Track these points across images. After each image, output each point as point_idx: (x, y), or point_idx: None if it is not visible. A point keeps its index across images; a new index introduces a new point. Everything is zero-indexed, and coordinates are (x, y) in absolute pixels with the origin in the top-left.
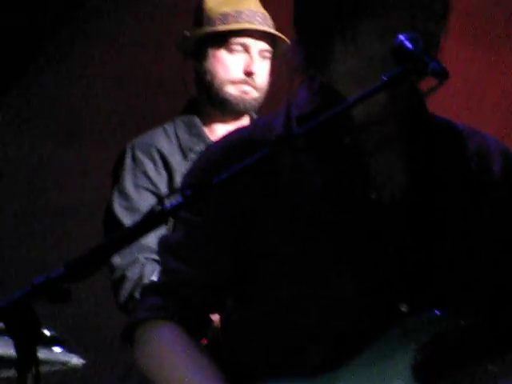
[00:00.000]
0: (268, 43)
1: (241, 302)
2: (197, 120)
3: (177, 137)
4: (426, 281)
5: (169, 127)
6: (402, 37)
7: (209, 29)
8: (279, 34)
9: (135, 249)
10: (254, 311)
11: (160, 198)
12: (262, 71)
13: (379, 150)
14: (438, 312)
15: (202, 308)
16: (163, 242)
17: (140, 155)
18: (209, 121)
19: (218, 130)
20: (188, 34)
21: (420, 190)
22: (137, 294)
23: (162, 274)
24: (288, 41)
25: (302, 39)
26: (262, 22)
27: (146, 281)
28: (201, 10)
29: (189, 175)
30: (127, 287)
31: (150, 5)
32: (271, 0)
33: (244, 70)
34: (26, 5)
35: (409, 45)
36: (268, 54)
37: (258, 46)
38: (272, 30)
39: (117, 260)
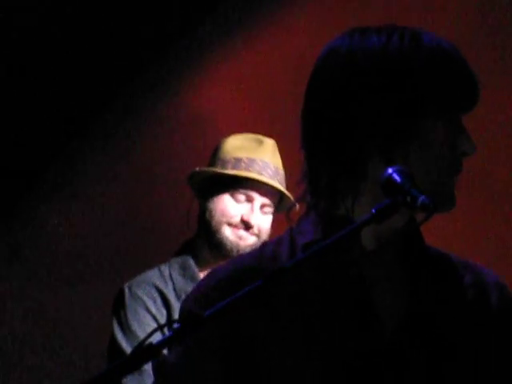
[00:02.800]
0: (273, 198)
1: None
2: (191, 262)
3: (171, 279)
4: None
5: (164, 269)
6: (390, 169)
7: (218, 169)
8: (286, 192)
9: (146, 378)
10: None
11: (153, 331)
12: (262, 224)
13: (382, 281)
14: None
15: None
16: (159, 365)
17: (139, 292)
18: (204, 263)
19: None
20: (198, 170)
21: (421, 322)
22: None
23: None
24: (293, 199)
25: (313, 166)
26: (273, 175)
27: None
28: (217, 149)
29: (190, 301)
30: None
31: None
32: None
33: (242, 218)
34: None
35: (397, 178)
36: (270, 209)
37: (261, 199)
38: (279, 187)
39: None
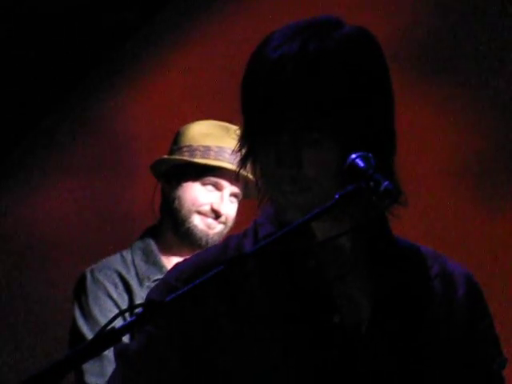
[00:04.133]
0: (240, 186)
1: None
2: (154, 247)
3: (134, 264)
4: None
5: (126, 254)
6: (353, 155)
7: (188, 159)
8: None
9: (106, 365)
10: None
11: (114, 317)
12: (230, 212)
13: (344, 273)
14: None
15: None
16: (121, 350)
17: (100, 278)
18: (167, 248)
19: (176, 259)
20: (166, 157)
21: (384, 314)
22: None
23: None
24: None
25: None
26: None
27: None
28: (181, 135)
29: (154, 292)
30: None
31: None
32: None
33: (211, 207)
34: None
35: (361, 163)
36: (239, 197)
37: (230, 188)
38: (249, 175)
39: (93, 380)
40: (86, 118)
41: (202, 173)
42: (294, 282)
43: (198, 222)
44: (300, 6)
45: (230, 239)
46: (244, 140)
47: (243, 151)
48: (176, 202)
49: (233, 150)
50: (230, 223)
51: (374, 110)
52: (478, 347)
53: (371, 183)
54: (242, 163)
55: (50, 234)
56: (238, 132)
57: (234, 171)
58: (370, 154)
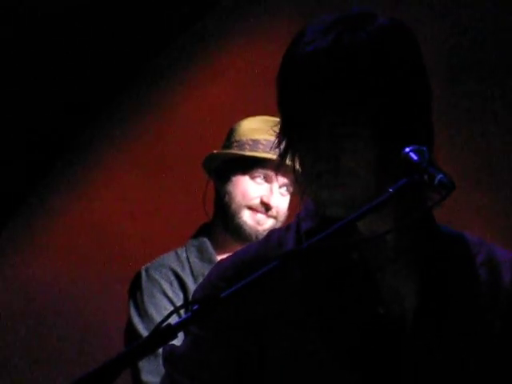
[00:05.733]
0: (291, 178)
1: None
2: (208, 244)
3: (188, 262)
4: None
5: (181, 252)
6: (407, 149)
7: (236, 152)
8: None
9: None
10: None
11: (170, 313)
12: (281, 204)
13: (388, 264)
14: None
15: None
16: (169, 354)
17: (156, 276)
18: (220, 245)
19: None
20: (215, 152)
21: (430, 305)
22: None
23: None
24: None
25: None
26: None
27: None
28: (232, 132)
29: (198, 291)
30: None
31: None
32: None
33: (262, 200)
34: None
35: (414, 157)
36: (289, 189)
37: (280, 180)
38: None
39: (149, 379)
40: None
41: (251, 166)
42: (338, 276)
43: (248, 218)
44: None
45: (272, 234)
46: (282, 135)
47: (282, 147)
48: (226, 197)
49: (274, 143)
50: (282, 218)
51: (410, 102)
52: None
53: (425, 176)
54: (281, 158)
55: None
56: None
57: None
58: (425, 148)
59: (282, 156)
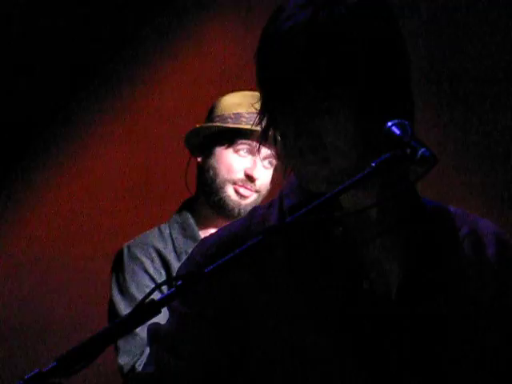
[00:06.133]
0: (275, 151)
1: None
2: (191, 220)
3: (171, 238)
4: (417, 369)
5: (164, 228)
6: (389, 123)
7: (220, 124)
8: None
9: (137, 344)
10: None
11: (153, 289)
12: (264, 177)
13: (372, 239)
14: None
15: None
16: (154, 332)
17: (138, 253)
18: (203, 221)
19: (213, 231)
20: (198, 126)
21: (414, 279)
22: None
23: (154, 365)
24: None
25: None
26: None
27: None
28: (214, 107)
29: (183, 269)
30: None
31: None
32: None
33: (245, 172)
34: None
35: (397, 131)
36: (272, 162)
37: (264, 151)
38: None
39: (125, 360)
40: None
41: (234, 138)
42: (322, 251)
43: (231, 193)
44: None
45: (255, 211)
46: (263, 112)
47: (263, 123)
48: (210, 171)
49: (256, 118)
50: (264, 191)
51: (391, 74)
52: (509, 303)
53: (408, 150)
54: (263, 135)
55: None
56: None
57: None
58: (407, 122)
59: (264, 131)
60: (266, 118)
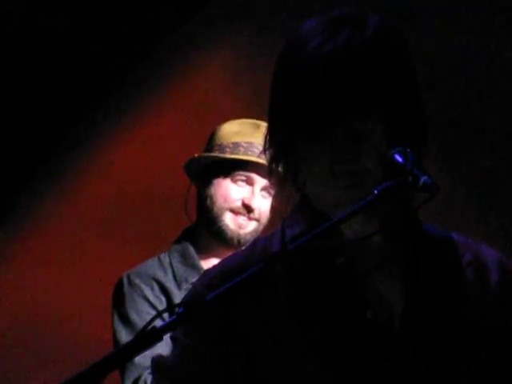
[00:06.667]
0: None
1: None
2: (191, 249)
3: (171, 267)
4: None
5: (164, 257)
6: (392, 150)
7: (217, 155)
8: None
9: (136, 369)
10: None
11: (155, 316)
12: (263, 207)
13: (374, 268)
14: None
15: None
16: (157, 363)
17: (137, 281)
18: (203, 249)
19: (213, 261)
20: (196, 156)
21: (417, 308)
22: None
23: None
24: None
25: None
26: None
27: None
28: (213, 136)
29: (185, 299)
30: None
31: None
32: None
33: (243, 202)
34: None
35: (399, 159)
36: (271, 192)
37: (261, 182)
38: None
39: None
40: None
41: (232, 169)
42: (323, 281)
43: (230, 222)
44: None
45: (257, 241)
46: (278, 137)
47: (275, 151)
48: (208, 200)
49: (265, 145)
50: (264, 220)
51: (415, 101)
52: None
53: (410, 178)
54: (275, 162)
55: None
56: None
57: (264, 165)
58: (408, 149)
59: (275, 158)
60: (278, 145)
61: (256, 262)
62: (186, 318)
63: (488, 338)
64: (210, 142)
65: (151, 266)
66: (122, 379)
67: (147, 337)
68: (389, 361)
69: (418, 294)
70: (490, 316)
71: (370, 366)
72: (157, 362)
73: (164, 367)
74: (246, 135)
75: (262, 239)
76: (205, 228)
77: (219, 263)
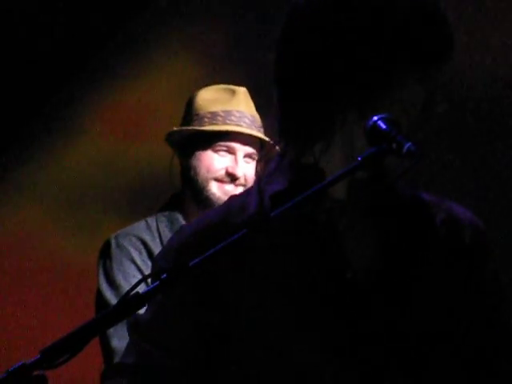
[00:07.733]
0: (254, 146)
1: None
2: (179, 216)
3: (158, 231)
4: (402, 359)
5: (151, 221)
6: (375, 117)
7: (196, 127)
8: (266, 139)
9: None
10: None
11: (138, 282)
12: (247, 172)
13: (352, 228)
14: None
15: None
16: (133, 322)
17: (125, 243)
18: (191, 216)
19: None
20: (176, 129)
21: (394, 266)
22: None
23: (134, 356)
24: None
25: (288, 110)
26: (251, 124)
27: None
28: (190, 105)
29: (161, 258)
30: None
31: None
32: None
33: (227, 171)
34: None
35: (383, 125)
36: (254, 157)
37: (243, 149)
38: (259, 134)
39: (119, 344)
40: None
41: (212, 140)
42: (304, 241)
43: (216, 190)
44: None
45: (232, 200)
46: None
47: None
48: (192, 171)
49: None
50: (250, 183)
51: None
52: (483, 290)
53: (394, 145)
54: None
55: None
56: (244, 92)
57: (245, 133)
58: (392, 116)
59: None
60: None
61: (233, 221)
62: (168, 284)
63: (458, 292)
64: (188, 111)
65: (139, 228)
66: (106, 343)
67: (130, 303)
68: (361, 319)
69: (391, 251)
70: (461, 272)
71: (348, 324)
72: (133, 319)
73: (141, 325)
74: (223, 103)
75: (236, 196)
76: (191, 197)
77: (195, 221)
